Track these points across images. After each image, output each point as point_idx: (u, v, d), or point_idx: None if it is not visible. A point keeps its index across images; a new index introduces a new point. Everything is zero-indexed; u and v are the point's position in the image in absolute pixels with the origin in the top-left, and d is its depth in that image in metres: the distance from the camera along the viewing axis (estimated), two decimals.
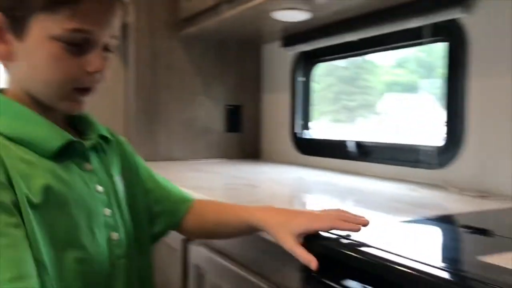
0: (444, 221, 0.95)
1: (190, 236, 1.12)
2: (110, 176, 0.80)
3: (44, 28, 0.67)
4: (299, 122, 2.12)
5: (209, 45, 2.24)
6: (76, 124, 0.81)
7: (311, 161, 2.00)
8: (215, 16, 1.82)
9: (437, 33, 1.40)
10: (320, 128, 2.17)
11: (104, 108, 3.03)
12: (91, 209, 0.72)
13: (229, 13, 1.72)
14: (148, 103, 2.13)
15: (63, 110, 0.74)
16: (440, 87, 1.42)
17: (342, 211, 0.78)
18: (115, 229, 0.76)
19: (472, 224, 0.87)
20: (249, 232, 0.85)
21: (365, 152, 1.71)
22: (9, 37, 0.69)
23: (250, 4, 1.59)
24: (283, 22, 1.74)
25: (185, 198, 0.94)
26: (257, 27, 1.94)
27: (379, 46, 1.67)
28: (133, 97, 2.12)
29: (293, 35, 2.02)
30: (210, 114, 2.28)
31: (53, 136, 0.71)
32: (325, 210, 0.80)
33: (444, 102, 1.40)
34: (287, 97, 2.17)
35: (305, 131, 2.12)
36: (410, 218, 0.95)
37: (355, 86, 2.54)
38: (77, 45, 0.68)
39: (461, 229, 0.90)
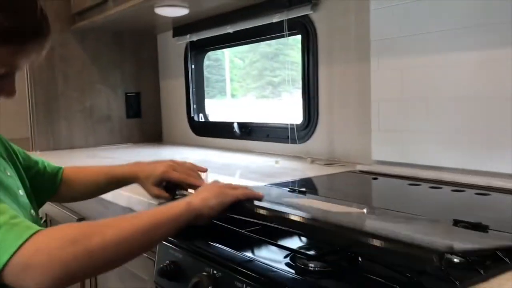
0: (281, 185, 1.19)
1: (66, 201, 1.19)
2: (8, 162, 0.86)
3: None
4: (193, 106, 2.31)
5: (105, 36, 2.35)
6: None
7: (206, 142, 2.20)
8: (103, 12, 1.94)
9: (293, 27, 1.63)
10: (245, 105, 2.30)
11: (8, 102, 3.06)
12: (12, 191, 0.78)
13: (115, 10, 1.86)
14: (47, 95, 2.21)
15: None
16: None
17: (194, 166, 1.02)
18: (31, 207, 0.82)
19: (296, 187, 1.11)
20: (119, 186, 1.05)
21: (247, 132, 1.94)
22: None
23: (132, 2, 1.74)
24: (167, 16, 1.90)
25: (57, 168, 1.04)
26: (146, 19, 2.09)
27: (252, 37, 1.88)
28: (31, 90, 2.20)
29: (181, 27, 2.19)
30: (110, 101, 2.40)
31: None
32: (183, 163, 1.02)
33: (302, 86, 1.64)
34: (183, 83, 2.34)
35: (200, 114, 2.31)
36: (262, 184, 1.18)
37: (278, 61, 2.55)
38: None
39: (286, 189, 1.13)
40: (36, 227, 0.62)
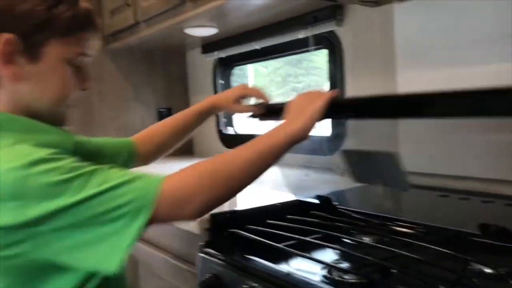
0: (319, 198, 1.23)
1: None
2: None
3: (59, 52, 0.73)
4: (222, 120, 2.38)
5: (136, 55, 2.44)
6: None
7: None
8: (135, 33, 2.03)
9: (319, 42, 1.68)
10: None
11: None
12: None
13: (147, 31, 1.94)
14: (82, 113, 2.31)
15: (58, 124, 0.80)
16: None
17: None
18: None
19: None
20: (202, 122, 1.20)
21: None
22: (20, 59, 0.72)
23: (164, 24, 1.81)
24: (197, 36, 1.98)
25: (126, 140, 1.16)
26: (176, 39, 2.17)
27: (279, 53, 1.94)
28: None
29: (210, 44, 2.26)
30: (144, 118, 2.49)
31: (65, 140, 0.78)
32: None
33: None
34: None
35: (229, 127, 2.37)
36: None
37: (301, 68, 2.61)
38: (78, 67, 0.78)
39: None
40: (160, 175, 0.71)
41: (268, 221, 1.06)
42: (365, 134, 1.57)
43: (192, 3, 1.62)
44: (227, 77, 2.34)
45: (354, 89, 1.61)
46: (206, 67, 2.42)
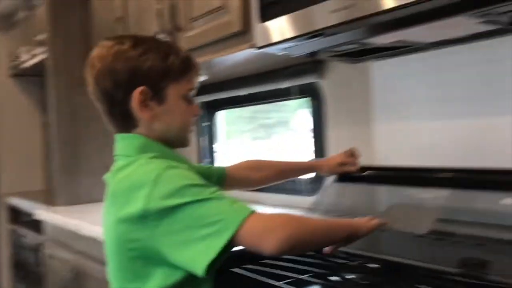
0: None
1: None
2: None
3: (176, 92, 0.94)
4: (206, 160, 2.48)
5: None
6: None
7: None
8: None
9: (302, 91, 1.83)
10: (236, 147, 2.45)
11: (22, 154, 3.22)
12: None
13: None
14: (70, 153, 2.38)
15: (185, 145, 1.01)
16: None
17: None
18: None
19: None
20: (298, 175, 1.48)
21: None
22: (152, 104, 0.92)
23: None
24: None
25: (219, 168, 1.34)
26: None
27: (263, 99, 2.08)
28: (56, 149, 2.36)
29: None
30: None
31: (189, 167, 0.94)
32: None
33: (314, 144, 1.82)
34: (194, 140, 2.51)
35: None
36: None
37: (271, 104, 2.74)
38: (190, 98, 0.98)
39: None
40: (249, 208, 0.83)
41: (260, 261, 1.15)
42: None
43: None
44: (211, 119, 2.46)
45: (334, 137, 1.75)
46: None
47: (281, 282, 0.98)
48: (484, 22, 1.06)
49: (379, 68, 1.55)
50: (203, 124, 2.46)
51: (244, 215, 0.79)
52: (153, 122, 0.93)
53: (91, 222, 1.85)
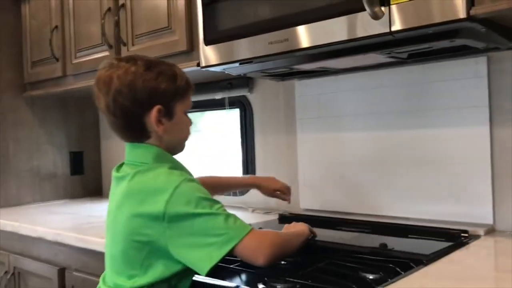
0: None
1: None
2: None
3: (181, 108, 1.11)
4: None
5: (51, 101, 2.59)
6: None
7: None
8: (62, 85, 2.22)
9: (233, 103, 2.05)
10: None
11: None
12: None
13: (75, 85, 2.15)
14: None
15: (182, 151, 1.18)
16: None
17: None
18: None
19: None
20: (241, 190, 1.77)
21: None
22: (164, 120, 1.08)
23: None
24: None
25: None
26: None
27: (197, 108, 2.26)
28: None
29: None
30: (56, 160, 2.62)
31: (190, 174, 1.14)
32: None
33: (242, 149, 2.05)
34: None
35: None
36: None
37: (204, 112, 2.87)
38: (187, 113, 1.15)
39: None
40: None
41: None
42: None
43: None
44: None
45: (262, 144, 1.99)
46: None
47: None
48: (389, 56, 1.36)
49: (301, 86, 1.82)
50: None
51: (244, 233, 0.99)
52: (164, 135, 1.09)
53: (30, 223, 1.92)
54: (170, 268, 1.01)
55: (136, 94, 1.04)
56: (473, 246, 1.27)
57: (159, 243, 0.99)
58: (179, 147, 1.17)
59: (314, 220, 1.57)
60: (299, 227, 1.24)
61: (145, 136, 1.09)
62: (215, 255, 0.97)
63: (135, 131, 1.09)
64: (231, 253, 0.99)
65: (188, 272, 1.04)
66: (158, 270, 1.01)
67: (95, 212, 2.19)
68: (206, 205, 0.99)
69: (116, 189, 1.11)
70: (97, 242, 1.57)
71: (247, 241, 0.99)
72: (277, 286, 1.00)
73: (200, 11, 1.51)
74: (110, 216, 1.12)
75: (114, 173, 1.14)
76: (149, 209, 0.99)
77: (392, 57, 1.37)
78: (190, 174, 1.13)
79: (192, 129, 1.19)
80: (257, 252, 1.01)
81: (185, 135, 1.17)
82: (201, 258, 0.97)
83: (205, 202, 0.99)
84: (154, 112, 1.06)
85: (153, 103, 1.06)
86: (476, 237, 1.33)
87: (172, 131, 1.11)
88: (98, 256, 1.58)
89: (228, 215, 1.01)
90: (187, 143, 1.19)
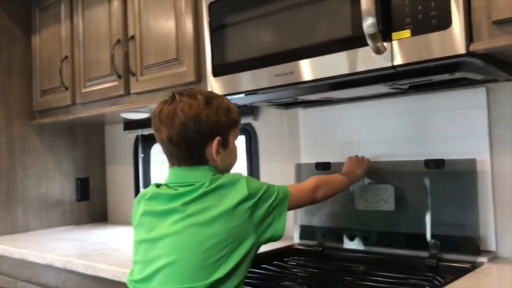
0: None
1: None
2: None
3: (234, 137, 1.20)
4: (142, 188, 2.64)
5: (59, 129, 2.64)
6: None
7: None
8: (71, 114, 2.27)
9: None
10: None
11: None
12: None
13: (84, 113, 2.20)
14: (7, 183, 2.43)
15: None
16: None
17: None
18: None
19: None
20: None
21: None
22: (221, 149, 1.15)
23: (103, 110, 2.10)
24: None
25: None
26: (103, 117, 2.43)
27: None
28: None
29: (131, 122, 2.57)
30: (63, 186, 2.66)
31: None
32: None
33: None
34: (130, 169, 2.67)
35: None
36: None
37: None
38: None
39: None
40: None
41: None
42: None
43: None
44: (147, 150, 2.64)
45: (267, 171, 2.03)
46: (124, 141, 2.69)
47: None
48: (390, 88, 1.41)
49: (305, 114, 1.87)
50: (140, 156, 2.63)
51: (288, 193, 1.19)
52: (221, 163, 1.17)
53: (39, 250, 1.95)
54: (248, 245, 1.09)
55: (201, 127, 1.12)
56: (476, 273, 1.29)
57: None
58: (228, 172, 1.24)
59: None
60: (351, 172, 1.54)
61: (203, 163, 1.16)
62: (285, 215, 1.17)
63: (194, 159, 1.15)
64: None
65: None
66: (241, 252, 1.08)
67: (102, 238, 2.21)
68: (272, 187, 1.17)
69: (171, 204, 1.11)
70: (105, 270, 1.60)
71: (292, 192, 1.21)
72: None
73: (208, 42, 1.57)
74: (167, 230, 1.10)
75: (157, 190, 1.16)
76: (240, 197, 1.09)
77: (393, 88, 1.42)
78: None
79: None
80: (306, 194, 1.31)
81: (235, 161, 1.26)
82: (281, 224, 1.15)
83: (269, 186, 1.16)
84: (215, 143, 1.14)
85: (215, 135, 1.14)
86: (480, 264, 1.35)
87: (226, 159, 1.20)
88: (106, 283, 1.60)
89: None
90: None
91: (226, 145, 1.18)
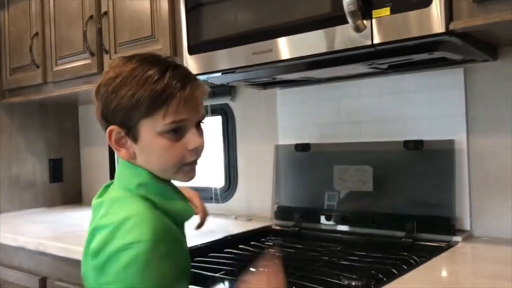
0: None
1: None
2: None
3: (150, 129, 0.86)
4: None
5: (31, 108, 2.56)
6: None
7: None
8: (42, 93, 2.21)
9: (215, 111, 2.06)
10: None
11: None
12: (188, 267, 0.95)
13: (56, 92, 2.14)
14: None
15: (180, 180, 0.93)
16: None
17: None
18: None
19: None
20: None
21: None
22: (128, 142, 0.88)
23: (76, 89, 2.04)
24: None
25: None
26: (76, 96, 2.37)
27: None
28: None
29: None
30: (35, 168, 2.59)
31: (186, 210, 0.93)
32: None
33: (224, 157, 2.06)
34: (105, 150, 2.61)
35: None
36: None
37: None
38: (176, 133, 0.87)
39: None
40: None
41: None
42: (253, 186, 1.97)
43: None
44: None
45: (243, 151, 2.01)
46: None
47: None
48: (369, 67, 1.40)
49: (283, 94, 1.85)
50: None
51: None
52: (133, 160, 0.91)
53: (11, 232, 1.90)
54: None
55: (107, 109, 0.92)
56: (451, 252, 1.30)
57: None
58: (166, 177, 0.94)
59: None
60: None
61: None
62: None
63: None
64: None
65: None
66: None
67: (75, 220, 2.17)
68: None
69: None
70: (79, 252, 1.56)
71: None
72: None
73: (184, 20, 1.52)
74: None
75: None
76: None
77: (372, 67, 1.40)
78: (187, 211, 0.95)
79: None
80: None
81: (161, 163, 0.93)
82: None
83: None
84: (107, 132, 0.92)
85: (113, 122, 0.91)
86: (454, 243, 1.37)
87: (142, 157, 0.93)
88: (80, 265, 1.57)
89: None
90: None
91: (135, 136, 0.88)
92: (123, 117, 0.87)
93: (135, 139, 0.88)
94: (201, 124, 0.92)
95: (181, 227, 0.95)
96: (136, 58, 0.90)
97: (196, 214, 1.20)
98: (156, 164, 0.90)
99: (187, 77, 0.89)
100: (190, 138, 0.89)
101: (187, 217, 0.95)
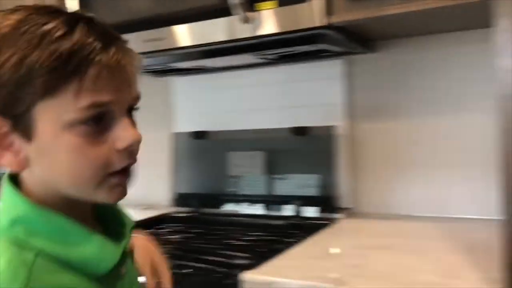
0: None
1: None
2: (136, 274, 0.71)
3: (53, 117, 0.53)
4: None
5: None
6: (100, 212, 0.66)
7: None
8: None
9: None
10: None
11: None
12: None
13: None
14: None
15: (102, 201, 0.59)
16: None
17: None
18: None
19: None
20: None
21: None
22: (16, 142, 0.54)
23: None
24: None
25: None
26: None
27: None
28: None
29: None
30: None
31: (103, 256, 0.57)
32: None
33: None
34: None
35: None
36: None
37: None
38: (97, 123, 0.54)
39: None
40: None
41: None
42: (147, 176, 1.97)
43: None
44: None
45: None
46: None
47: None
48: (260, 58, 1.46)
49: (179, 83, 1.87)
50: None
51: None
52: (24, 169, 0.57)
53: None
54: None
55: None
56: (333, 228, 1.42)
57: None
58: (77, 192, 0.58)
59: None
60: None
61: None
62: None
63: None
64: None
65: None
66: None
67: None
68: None
69: None
70: None
71: None
72: None
73: (77, 4, 1.48)
74: None
75: None
76: None
77: (263, 58, 1.47)
78: (109, 253, 0.59)
79: None
80: None
81: (73, 168, 0.57)
82: None
83: None
84: None
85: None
86: (338, 220, 1.49)
87: (42, 163, 0.59)
88: None
89: None
90: None
91: (27, 131, 0.54)
92: (5, 99, 0.53)
93: (27, 136, 0.54)
94: (134, 111, 0.62)
95: (113, 276, 0.60)
96: (24, 9, 0.55)
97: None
98: (64, 176, 0.56)
99: (109, 35, 0.56)
100: (120, 131, 0.57)
101: (102, 268, 0.58)
